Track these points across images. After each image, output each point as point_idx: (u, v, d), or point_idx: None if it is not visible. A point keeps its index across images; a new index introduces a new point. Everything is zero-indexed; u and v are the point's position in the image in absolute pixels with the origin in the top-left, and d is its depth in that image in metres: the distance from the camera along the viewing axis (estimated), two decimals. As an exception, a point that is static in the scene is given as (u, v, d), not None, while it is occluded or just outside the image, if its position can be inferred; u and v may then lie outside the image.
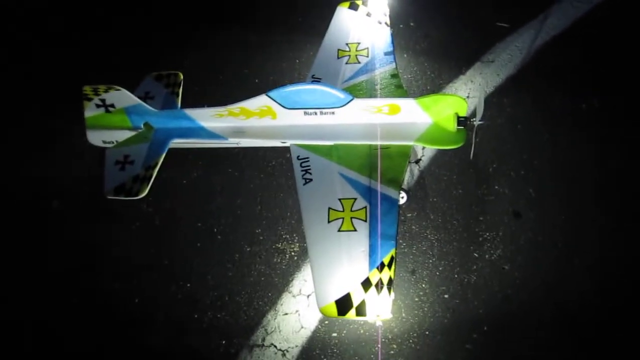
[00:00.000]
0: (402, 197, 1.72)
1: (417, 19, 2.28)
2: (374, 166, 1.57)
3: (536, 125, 2.09)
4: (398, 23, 2.24)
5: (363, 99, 1.60)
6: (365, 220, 1.47)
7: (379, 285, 1.37)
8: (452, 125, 1.59)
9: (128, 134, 1.75)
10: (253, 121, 1.62)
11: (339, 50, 1.84)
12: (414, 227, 1.86)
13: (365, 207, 1.49)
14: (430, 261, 1.81)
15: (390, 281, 1.32)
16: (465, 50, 2.24)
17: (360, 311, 1.28)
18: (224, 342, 1.69)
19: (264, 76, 2.21)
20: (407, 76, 2.14)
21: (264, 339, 1.68)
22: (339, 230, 1.45)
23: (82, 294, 1.75)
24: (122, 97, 1.78)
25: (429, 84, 2.13)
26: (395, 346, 1.65)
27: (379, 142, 1.58)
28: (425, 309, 1.73)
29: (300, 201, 1.52)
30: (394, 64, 1.81)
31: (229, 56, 2.30)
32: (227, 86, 2.17)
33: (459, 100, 1.59)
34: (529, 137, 2.07)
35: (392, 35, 1.86)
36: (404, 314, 1.72)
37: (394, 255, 1.35)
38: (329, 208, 1.47)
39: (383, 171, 1.56)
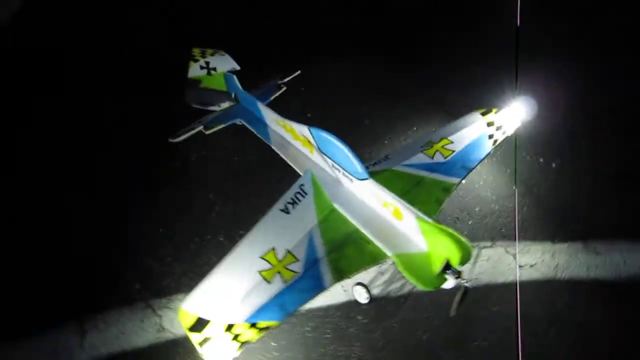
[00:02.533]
0: (367, 298, 1.55)
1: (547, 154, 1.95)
2: (339, 248, 1.46)
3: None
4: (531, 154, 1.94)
5: (377, 185, 1.48)
6: (285, 282, 1.40)
7: (236, 337, 1.31)
8: (436, 266, 1.38)
9: (223, 100, 1.90)
10: (297, 144, 1.64)
11: (429, 140, 1.71)
12: (352, 329, 1.58)
13: (297, 274, 1.41)
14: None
15: (246, 342, 1.25)
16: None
17: (202, 343, 1.23)
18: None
19: (375, 122, 2.07)
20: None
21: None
22: (259, 272, 1.41)
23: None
24: (225, 61, 1.95)
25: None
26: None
27: (364, 232, 1.46)
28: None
29: (262, 222, 1.48)
30: (459, 179, 1.62)
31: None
32: (336, 117, 2.08)
33: (461, 246, 1.35)
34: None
35: (488, 154, 1.67)
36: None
37: (271, 327, 1.26)
38: (273, 249, 1.43)
39: (341, 258, 1.44)
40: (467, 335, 1.50)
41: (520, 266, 1.64)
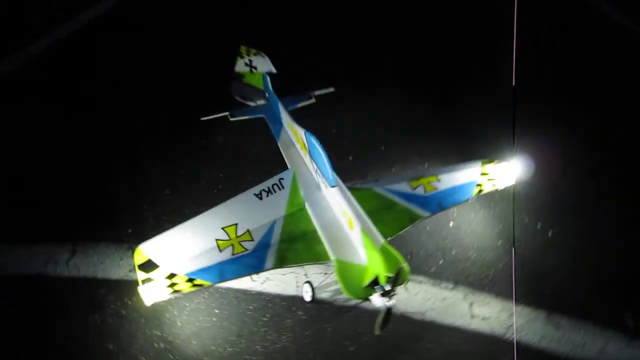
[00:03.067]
0: (310, 297, 1.61)
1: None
2: (292, 241, 1.55)
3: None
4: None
5: (343, 194, 1.55)
6: (233, 255, 1.52)
7: (172, 285, 1.45)
8: (365, 280, 1.42)
9: (260, 98, 2.10)
10: (297, 146, 1.78)
11: (421, 175, 1.76)
12: (288, 320, 1.61)
13: (246, 250, 1.53)
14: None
15: (178, 291, 1.37)
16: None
17: (144, 281, 1.35)
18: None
19: (390, 150, 2.10)
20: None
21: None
22: (216, 239, 1.54)
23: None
24: (264, 63, 2.13)
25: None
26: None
27: (319, 233, 1.54)
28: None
29: (235, 199, 1.61)
30: (429, 214, 1.64)
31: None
32: (356, 138, 2.13)
33: (391, 266, 1.38)
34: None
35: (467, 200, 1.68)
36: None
37: (203, 285, 1.37)
38: (236, 224, 1.56)
39: (289, 250, 1.54)
40: (395, 357, 1.53)
41: (472, 316, 1.64)
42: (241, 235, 1.55)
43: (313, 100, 2.11)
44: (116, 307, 1.52)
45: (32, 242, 1.74)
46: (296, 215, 1.60)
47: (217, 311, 1.61)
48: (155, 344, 1.52)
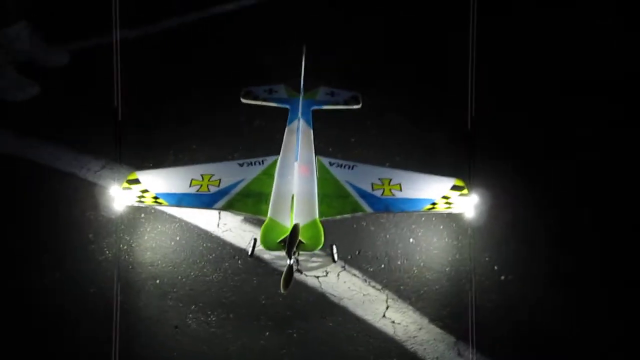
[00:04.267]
0: (250, 252, 1.79)
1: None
2: (245, 196, 1.75)
3: None
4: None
5: (300, 170, 1.73)
6: (197, 191, 1.79)
7: (141, 197, 1.75)
8: (279, 237, 1.58)
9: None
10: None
11: (389, 179, 1.86)
12: (225, 264, 1.81)
13: (208, 191, 1.79)
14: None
15: (142, 202, 1.69)
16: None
17: (124, 189, 1.73)
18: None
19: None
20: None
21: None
22: (191, 179, 1.83)
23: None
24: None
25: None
26: None
27: (271, 196, 1.72)
28: None
29: (222, 163, 1.90)
30: (372, 212, 1.73)
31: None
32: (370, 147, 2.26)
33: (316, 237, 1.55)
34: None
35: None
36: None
37: (162, 204, 1.73)
38: (212, 175, 1.83)
39: (239, 201, 1.74)
40: (291, 322, 1.68)
41: (384, 316, 1.71)
42: (211, 181, 1.85)
43: (339, 108, 2.30)
44: (108, 211, 1.87)
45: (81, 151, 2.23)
46: (262, 179, 1.85)
47: (177, 238, 1.91)
48: (121, 245, 1.86)
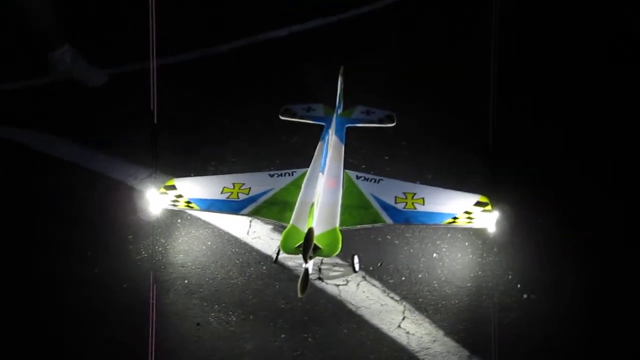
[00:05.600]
0: (274, 259, 1.85)
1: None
2: (272, 204, 1.83)
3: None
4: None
5: (323, 183, 1.78)
6: (227, 198, 1.88)
7: (175, 202, 1.87)
8: (297, 243, 1.62)
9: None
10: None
11: (413, 193, 1.87)
12: (250, 269, 1.88)
13: (237, 199, 1.88)
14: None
15: (175, 206, 1.81)
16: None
17: (161, 194, 1.87)
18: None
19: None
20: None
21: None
22: (223, 187, 1.93)
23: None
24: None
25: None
26: None
27: (296, 205, 1.78)
28: None
29: (256, 173, 2.00)
30: (392, 223, 1.75)
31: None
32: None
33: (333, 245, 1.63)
34: None
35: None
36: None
37: (193, 208, 1.84)
38: (244, 184, 1.92)
39: (265, 209, 1.82)
40: (307, 326, 1.72)
41: (399, 326, 1.73)
42: (241, 189, 1.96)
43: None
44: (146, 215, 2.01)
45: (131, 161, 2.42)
46: (289, 190, 1.94)
47: (209, 243, 2.02)
48: (156, 246, 1.99)
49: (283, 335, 1.68)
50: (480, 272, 1.83)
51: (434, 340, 1.64)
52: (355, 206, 1.85)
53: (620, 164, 2.31)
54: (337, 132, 2.23)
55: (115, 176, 2.35)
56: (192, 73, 2.97)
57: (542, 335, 1.66)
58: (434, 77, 2.87)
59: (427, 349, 1.62)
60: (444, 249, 1.92)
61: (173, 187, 1.94)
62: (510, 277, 1.81)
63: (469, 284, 1.80)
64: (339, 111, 2.42)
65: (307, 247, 1.58)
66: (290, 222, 1.76)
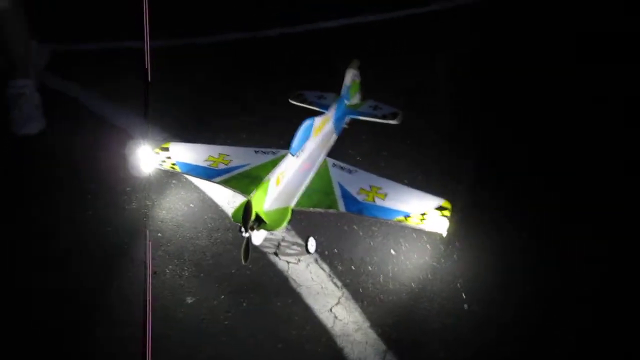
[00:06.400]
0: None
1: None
2: (244, 177, 1.93)
3: None
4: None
5: (292, 163, 1.86)
6: (207, 166, 2.03)
7: (162, 163, 2.06)
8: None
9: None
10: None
11: (379, 187, 1.88)
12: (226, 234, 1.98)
13: (216, 168, 2.01)
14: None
15: (161, 167, 2.00)
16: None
17: (157, 152, 2.08)
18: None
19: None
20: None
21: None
22: (209, 155, 2.07)
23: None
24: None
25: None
26: None
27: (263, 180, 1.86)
28: None
29: (244, 148, 2.12)
30: (344, 211, 1.78)
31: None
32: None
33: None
34: None
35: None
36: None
37: (176, 170, 2.02)
38: (228, 155, 2.06)
39: (235, 180, 1.94)
40: (247, 293, 1.83)
41: (330, 310, 1.79)
42: (224, 160, 2.11)
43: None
44: (142, 171, 2.19)
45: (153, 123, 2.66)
46: (266, 167, 2.05)
47: (191, 206, 2.18)
48: (147, 201, 2.20)
49: (222, 297, 1.80)
50: (429, 276, 1.83)
51: (357, 329, 1.68)
52: (317, 190, 1.92)
53: (585, 182, 2.26)
54: (335, 121, 2.30)
55: (132, 134, 2.59)
56: (239, 51, 3.19)
57: (464, 346, 1.63)
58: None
59: (347, 335, 1.67)
60: (403, 248, 1.94)
61: (167, 149, 2.12)
62: (458, 285, 1.79)
63: (413, 284, 1.81)
64: (346, 102, 2.49)
65: (245, 218, 1.68)
66: (250, 195, 1.87)
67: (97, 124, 2.63)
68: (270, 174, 1.85)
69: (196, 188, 2.22)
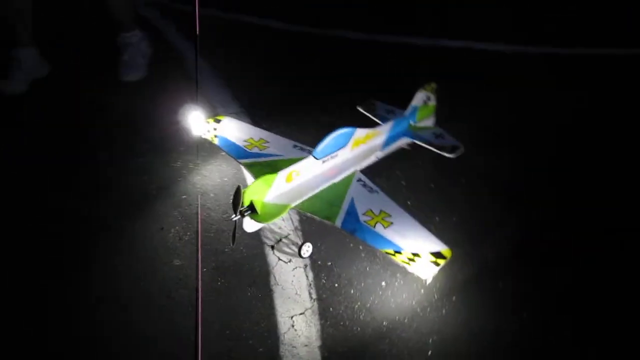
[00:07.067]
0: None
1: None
2: (267, 166, 1.94)
3: None
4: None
5: (318, 167, 1.91)
6: (245, 146, 2.08)
7: (208, 132, 2.15)
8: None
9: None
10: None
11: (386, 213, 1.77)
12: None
13: (253, 144, 2.06)
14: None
15: (206, 138, 2.10)
16: None
17: (210, 122, 2.17)
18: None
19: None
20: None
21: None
22: (250, 137, 2.12)
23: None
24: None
25: None
26: None
27: None
28: None
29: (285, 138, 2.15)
30: (340, 228, 1.70)
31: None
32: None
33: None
34: None
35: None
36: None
37: (213, 142, 2.11)
38: (264, 138, 2.10)
39: (255, 168, 1.97)
40: (226, 274, 1.88)
41: (290, 317, 1.76)
42: (261, 145, 2.17)
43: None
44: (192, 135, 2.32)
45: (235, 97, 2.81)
46: (292, 161, 2.07)
47: (225, 179, 2.28)
48: (191, 164, 2.36)
49: (205, 270, 1.87)
50: (405, 320, 1.72)
51: (306, 345, 1.65)
52: (324, 199, 1.89)
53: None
54: (388, 138, 2.24)
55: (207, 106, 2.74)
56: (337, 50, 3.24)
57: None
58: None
59: (294, 347, 1.64)
60: (396, 283, 1.84)
61: (218, 122, 2.25)
62: (430, 341, 1.66)
63: (385, 323, 1.71)
64: (412, 123, 2.40)
65: (235, 202, 1.73)
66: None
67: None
68: (284, 169, 1.86)
69: (237, 165, 2.29)
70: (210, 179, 2.22)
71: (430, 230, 1.71)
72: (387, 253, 1.67)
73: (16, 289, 1.75)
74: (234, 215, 1.71)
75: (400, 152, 2.26)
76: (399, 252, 1.66)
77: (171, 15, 3.72)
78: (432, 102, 2.39)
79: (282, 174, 1.83)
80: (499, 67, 3.26)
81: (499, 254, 1.93)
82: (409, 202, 2.16)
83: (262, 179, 1.78)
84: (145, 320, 1.67)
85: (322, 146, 1.90)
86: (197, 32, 1.88)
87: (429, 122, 2.43)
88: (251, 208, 1.72)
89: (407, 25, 3.75)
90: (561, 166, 2.42)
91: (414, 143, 2.30)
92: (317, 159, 1.89)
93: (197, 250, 1.86)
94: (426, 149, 2.23)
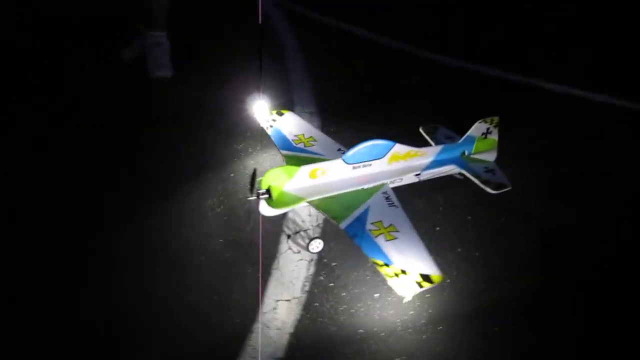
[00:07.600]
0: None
1: None
2: (303, 162, 2.04)
3: None
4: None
5: (344, 168, 1.94)
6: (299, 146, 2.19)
7: (266, 121, 2.30)
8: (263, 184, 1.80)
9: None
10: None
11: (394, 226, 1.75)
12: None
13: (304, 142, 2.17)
14: None
15: (262, 127, 2.25)
16: None
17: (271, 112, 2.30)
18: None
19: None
20: None
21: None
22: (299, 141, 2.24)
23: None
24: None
25: None
26: None
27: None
28: None
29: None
30: (344, 230, 1.72)
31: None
32: None
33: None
34: None
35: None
36: None
37: (269, 133, 2.20)
38: (315, 140, 2.17)
39: (292, 160, 2.06)
40: (235, 254, 2.02)
41: (276, 302, 1.86)
42: (308, 142, 2.29)
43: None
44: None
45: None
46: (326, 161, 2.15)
47: (266, 165, 2.45)
48: (240, 144, 2.56)
49: (221, 240, 2.05)
50: (382, 334, 1.72)
51: (278, 328, 1.72)
52: (342, 202, 1.95)
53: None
54: (432, 162, 2.23)
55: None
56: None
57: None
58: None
59: (267, 327, 1.72)
60: (389, 298, 1.85)
61: (280, 115, 2.42)
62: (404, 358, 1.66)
63: (361, 331, 1.74)
64: (466, 152, 2.35)
65: (251, 181, 1.86)
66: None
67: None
68: (309, 165, 1.95)
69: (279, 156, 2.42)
70: (261, 165, 2.37)
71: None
72: (374, 262, 1.68)
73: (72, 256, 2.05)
74: (250, 195, 1.84)
75: (448, 179, 2.22)
76: (387, 265, 1.66)
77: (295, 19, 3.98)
78: (493, 137, 2.31)
79: (306, 168, 1.91)
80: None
81: (506, 300, 1.82)
82: (437, 228, 2.11)
83: (284, 168, 1.89)
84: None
85: (352, 152, 1.96)
86: (260, 30, 2.04)
87: (489, 156, 2.36)
88: (268, 192, 1.84)
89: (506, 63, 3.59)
90: (629, 232, 2.19)
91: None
92: (346, 163, 1.94)
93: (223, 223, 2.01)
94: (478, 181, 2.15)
